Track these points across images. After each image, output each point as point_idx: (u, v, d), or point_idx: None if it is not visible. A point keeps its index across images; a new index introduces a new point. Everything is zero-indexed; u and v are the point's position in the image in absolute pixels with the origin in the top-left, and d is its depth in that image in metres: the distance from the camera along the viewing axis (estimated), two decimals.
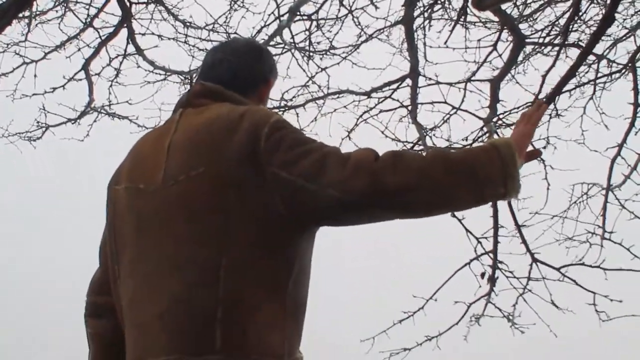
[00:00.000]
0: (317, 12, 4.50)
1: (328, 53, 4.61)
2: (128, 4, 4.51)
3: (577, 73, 3.91)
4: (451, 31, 4.24)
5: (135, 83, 4.69)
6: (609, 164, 4.17)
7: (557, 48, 4.19)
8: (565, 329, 3.96)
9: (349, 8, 4.47)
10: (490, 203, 3.68)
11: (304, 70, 4.62)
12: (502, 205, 3.88)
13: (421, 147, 4.28)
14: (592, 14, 4.17)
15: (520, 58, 4.37)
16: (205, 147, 1.34)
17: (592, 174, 4.33)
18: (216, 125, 1.36)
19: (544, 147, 4.00)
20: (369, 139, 4.41)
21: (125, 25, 4.59)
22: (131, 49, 4.68)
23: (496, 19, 4.24)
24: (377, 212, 1.33)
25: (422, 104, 4.55)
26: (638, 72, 3.95)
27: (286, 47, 4.56)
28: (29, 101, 4.58)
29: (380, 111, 4.59)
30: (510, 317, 4.03)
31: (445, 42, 4.29)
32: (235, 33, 4.57)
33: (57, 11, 4.61)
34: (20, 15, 4.46)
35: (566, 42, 4.13)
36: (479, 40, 4.41)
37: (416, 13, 4.44)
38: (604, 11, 4.14)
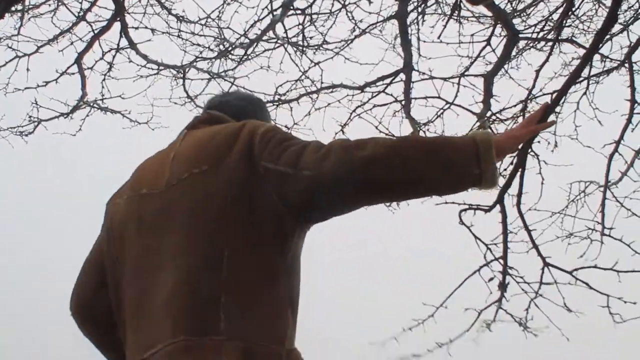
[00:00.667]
0: (310, 6, 4.50)
1: (321, 48, 4.61)
2: None
3: (566, 67, 3.90)
4: (445, 26, 4.25)
5: (128, 77, 4.67)
6: (605, 160, 4.11)
7: (550, 43, 4.19)
8: (576, 332, 3.91)
9: (342, 3, 4.47)
10: (499, 207, 3.65)
11: (297, 65, 4.62)
12: (510, 210, 3.81)
13: None
14: (586, 9, 4.18)
15: (513, 53, 4.36)
16: (209, 151, 1.42)
17: (587, 170, 4.30)
18: (220, 135, 1.45)
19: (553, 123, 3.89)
20: (362, 133, 4.36)
21: (118, 19, 4.58)
22: (124, 42, 4.67)
23: (490, 13, 4.24)
24: (350, 190, 1.34)
25: (415, 98, 4.55)
26: (634, 68, 3.93)
27: (279, 41, 4.57)
28: (22, 95, 4.57)
29: (374, 106, 4.58)
30: (523, 322, 3.95)
31: (439, 37, 4.29)
32: (228, 27, 4.56)
33: (49, 5, 4.61)
34: (13, 8, 4.45)
35: (559, 37, 4.12)
36: (472, 35, 4.41)
37: (410, 8, 4.45)
38: (597, 7, 4.15)
